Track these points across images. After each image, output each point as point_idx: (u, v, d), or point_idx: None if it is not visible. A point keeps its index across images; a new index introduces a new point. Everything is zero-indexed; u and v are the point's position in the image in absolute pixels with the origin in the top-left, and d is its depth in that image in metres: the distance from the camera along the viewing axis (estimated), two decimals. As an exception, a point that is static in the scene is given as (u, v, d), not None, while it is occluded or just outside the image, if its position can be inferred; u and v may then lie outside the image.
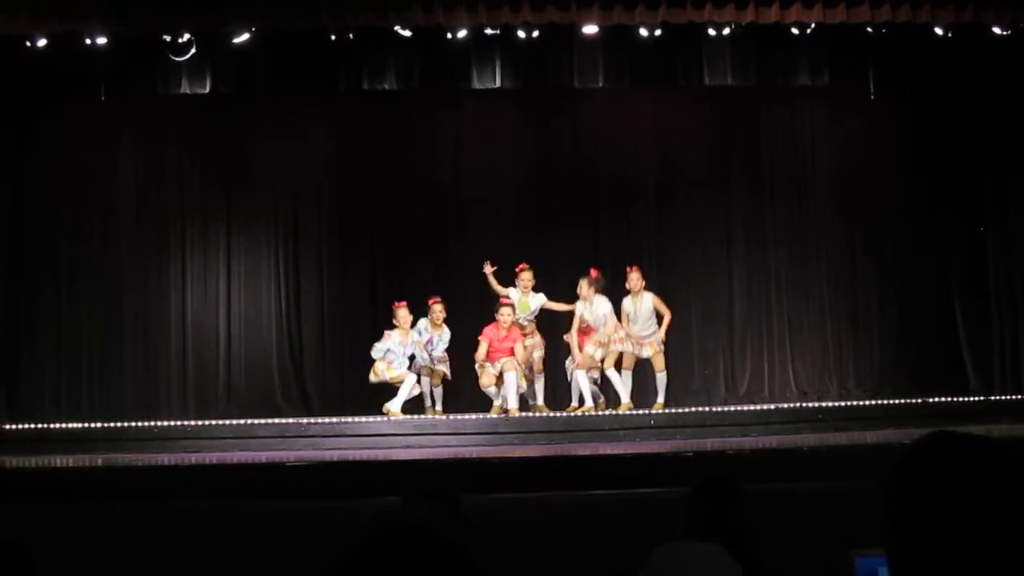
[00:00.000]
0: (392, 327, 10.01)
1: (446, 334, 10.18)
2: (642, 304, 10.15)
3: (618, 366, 10.11)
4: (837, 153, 12.00)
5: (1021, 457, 1.35)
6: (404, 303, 10.08)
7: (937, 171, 11.73)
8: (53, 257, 11.36)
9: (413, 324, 10.02)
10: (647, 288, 10.21)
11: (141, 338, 11.42)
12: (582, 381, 9.96)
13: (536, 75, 10.71)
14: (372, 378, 9.93)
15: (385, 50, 10.36)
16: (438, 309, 10.08)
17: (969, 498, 1.31)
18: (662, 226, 11.82)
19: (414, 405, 10.07)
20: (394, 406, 9.73)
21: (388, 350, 9.87)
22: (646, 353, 10.14)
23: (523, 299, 10.20)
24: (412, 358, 10.02)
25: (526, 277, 10.17)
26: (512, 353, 9.85)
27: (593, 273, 10.09)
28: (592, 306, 10.01)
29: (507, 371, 9.75)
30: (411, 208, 11.75)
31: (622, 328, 10.03)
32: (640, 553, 2.60)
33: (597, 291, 10.03)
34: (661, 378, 10.29)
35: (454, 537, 1.23)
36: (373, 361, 9.91)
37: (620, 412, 9.77)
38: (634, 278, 10.16)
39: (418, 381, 10.03)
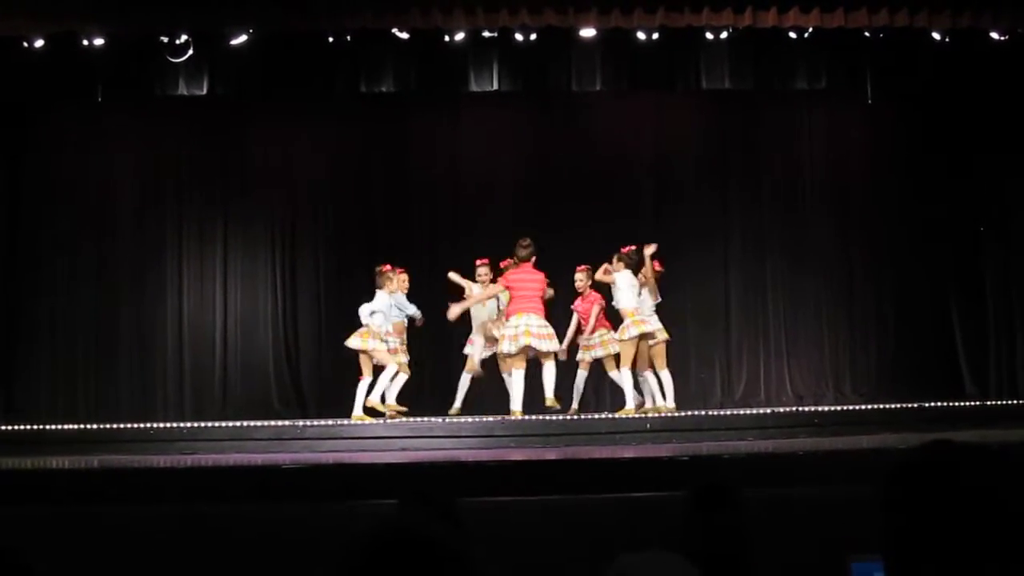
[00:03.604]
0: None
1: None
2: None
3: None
4: (834, 157, 12.01)
5: (1017, 465, 1.35)
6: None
7: (934, 176, 11.74)
8: (49, 258, 11.36)
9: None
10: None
11: (137, 340, 11.42)
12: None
13: (534, 78, 10.69)
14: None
15: (383, 52, 10.35)
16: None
17: (965, 506, 1.31)
18: (659, 229, 11.79)
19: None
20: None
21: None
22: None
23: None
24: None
25: (483, 272, 10.09)
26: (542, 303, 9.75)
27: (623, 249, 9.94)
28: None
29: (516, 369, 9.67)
30: (408, 210, 11.74)
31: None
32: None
33: (627, 265, 9.86)
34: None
35: (448, 541, 1.23)
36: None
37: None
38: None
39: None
